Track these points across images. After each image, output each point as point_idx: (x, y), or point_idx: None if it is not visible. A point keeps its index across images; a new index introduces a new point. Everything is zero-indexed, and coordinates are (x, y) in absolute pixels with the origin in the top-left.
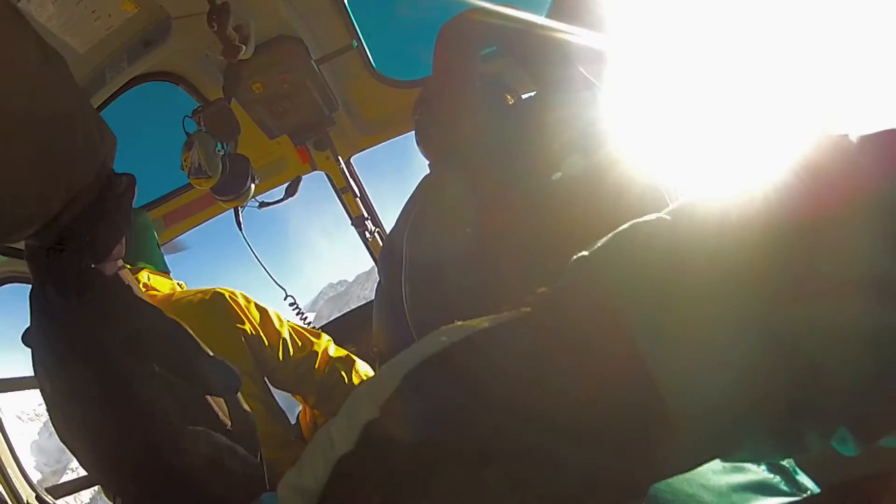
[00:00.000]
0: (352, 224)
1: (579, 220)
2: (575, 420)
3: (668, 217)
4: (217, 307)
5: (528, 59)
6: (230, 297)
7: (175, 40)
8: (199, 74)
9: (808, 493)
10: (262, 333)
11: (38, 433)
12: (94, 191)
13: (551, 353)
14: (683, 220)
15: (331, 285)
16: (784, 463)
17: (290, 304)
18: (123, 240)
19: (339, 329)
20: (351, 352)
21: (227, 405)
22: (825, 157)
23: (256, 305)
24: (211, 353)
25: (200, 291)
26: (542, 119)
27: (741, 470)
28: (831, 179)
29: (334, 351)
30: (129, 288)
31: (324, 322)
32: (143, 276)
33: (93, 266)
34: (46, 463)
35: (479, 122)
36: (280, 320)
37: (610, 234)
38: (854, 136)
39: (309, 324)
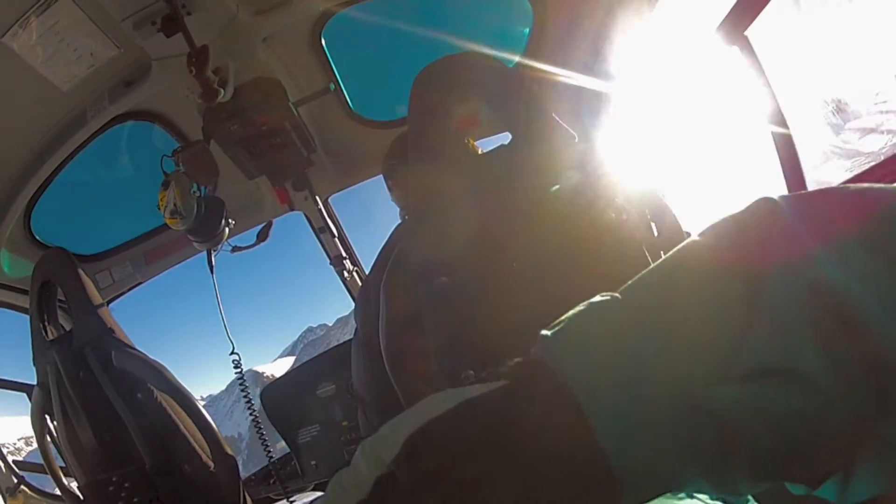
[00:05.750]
0: (330, 263)
1: (578, 227)
2: (540, 478)
3: (619, 297)
4: None
5: (502, 100)
6: None
7: (155, 81)
8: (180, 114)
9: None
10: None
11: None
12: None
13: (522, 426)
14: (632, 303)
15: (310, 329)
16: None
17: (234, 363)
18: None
19: (317, 368)
20: (329, 390)
21: (209, 448)
22: (760, 235)
23: None
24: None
25: None
26: (525, 155)
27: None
28: (765, 260)
29: None
30: None
31: None
32: None
33: None
34: None
35: (457, 161)
36: None
37: (569, 313)
38: (785, 207)
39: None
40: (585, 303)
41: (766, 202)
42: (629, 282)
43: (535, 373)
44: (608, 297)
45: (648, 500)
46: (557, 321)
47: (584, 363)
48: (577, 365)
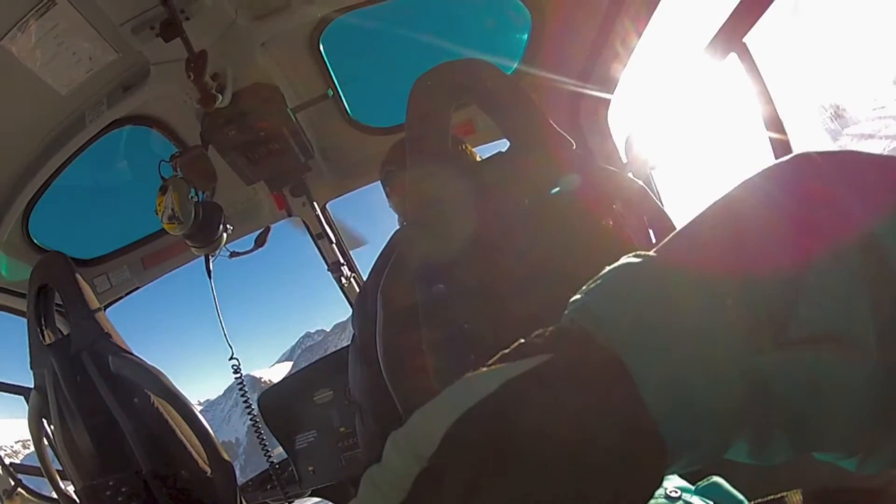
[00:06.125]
0: (328, 269)
1: (575, 233)
2: (595, 457)
3: (654, 256)
4: None
5: (500, 107)
6: None
7: (153, 86)
8: (178, 119)
9: None
10: None
11: None
12: None
13: (574, 405)
14: (670, 263)
15: (308, 335)
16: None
17: (233, 368)
18: None
19: (315, 374)
20: (327, 396)
21: (206, 453)
22: (812, 191)
23: None
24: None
25: None
26: (523, 161)
27: None
28: (817, 218)
29: None
30: None
31: None
32: None
33: None
34: None
35: (455, 167)
36: None
37: (602, 275)
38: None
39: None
40: (617, 264)
41: (804, 159)
42: (664, 240)
43: (575, 341)
44: (642, 258)
45: (692, 468)
46: (589, 284)
47: (629, 330)
48: (621, 332)
